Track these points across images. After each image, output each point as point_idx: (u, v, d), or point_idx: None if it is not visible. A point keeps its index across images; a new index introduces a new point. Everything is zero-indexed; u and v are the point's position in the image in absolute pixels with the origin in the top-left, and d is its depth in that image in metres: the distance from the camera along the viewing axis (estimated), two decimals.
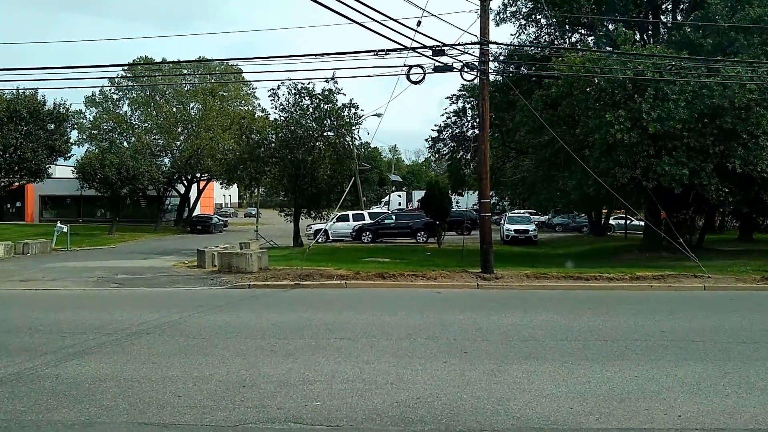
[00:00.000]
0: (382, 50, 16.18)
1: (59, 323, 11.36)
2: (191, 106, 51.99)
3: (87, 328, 10.88)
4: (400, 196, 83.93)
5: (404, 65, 16.63)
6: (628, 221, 40.45)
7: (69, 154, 37.13)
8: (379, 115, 34.86)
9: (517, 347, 9.48)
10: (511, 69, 23.79)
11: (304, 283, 16.34)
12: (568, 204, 23.03)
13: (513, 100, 24.50)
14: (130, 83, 51.90)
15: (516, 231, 35.61)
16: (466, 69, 16.31)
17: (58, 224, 31.86)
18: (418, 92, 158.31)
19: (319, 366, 8.37)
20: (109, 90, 52.18)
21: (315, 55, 16.30)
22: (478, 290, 15.91)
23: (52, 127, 35.39)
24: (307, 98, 29.92)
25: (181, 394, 7.23)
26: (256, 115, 37.03)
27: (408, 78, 16.58)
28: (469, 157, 32.78)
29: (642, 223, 44.36)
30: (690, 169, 18.61)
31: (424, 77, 16.56)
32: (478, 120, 28.79)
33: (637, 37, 22.74)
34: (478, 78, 16.68)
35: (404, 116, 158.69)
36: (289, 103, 30.16)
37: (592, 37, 26.51)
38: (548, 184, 23.72)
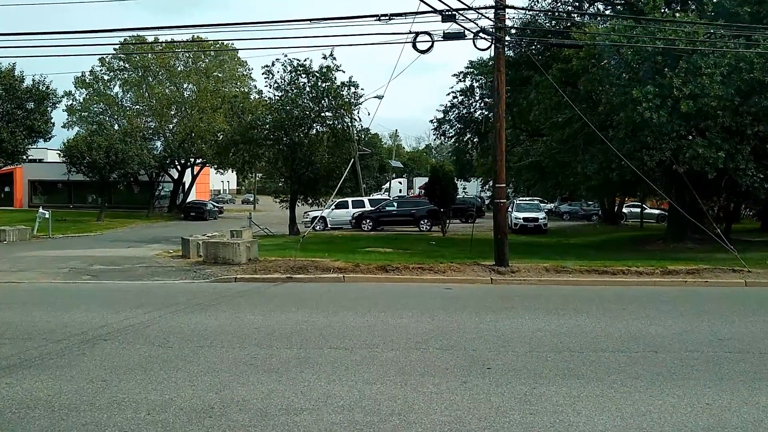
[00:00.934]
0: (384, 15, 14.36)
1: (3, 326, 9.62)
2: (185, 87, 50.00)
3: (35, 332, 9.17)
4: (400, 182, 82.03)
5: (410, 32, 14.80)
6: (642, 210, 38.66)
7: (50, 136, 35.06)
8: (379, 97, 32.78)
9: (551, 361, 7.79)
10: (523, 42, 21.85)
11: (296, 276, 14.61)
12: (588, 190, 21.18)
13: (527, 76, 22.64)
14: (121, 63, 49.92)
15: (525, 219, 33.71)
16: (480, 36, 14.47)
17: (40, 210, 30.15)
18: (418, 80, 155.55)
19: (307, 387, 6.69)
20: (100, 70, 50.23)
21: (310, 20, 14.46)
22: (492, 286, 14.18)
23: (32, 106, 33.28)
24: (303, 76, 27.97)
25: (129, 428, 5.60)
26: (252, 97, 34.97)
27: (414, 46, 14.75)
28: (477, 139, 30.85)
29: (655, 211, 42.97)
30: (726, 151, 16.80)
31: (432, 46, 14.73)
32: (487, 99, 26.96)
33: (663, 9, 20.72)
34: (493, 47, 14.82)
35: (404, 103, 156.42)
36: (285, 81, 28.23)
37: (610, 10, 24.55)
38: (564, 168, 21.89)
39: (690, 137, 17.10)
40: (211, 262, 16.47)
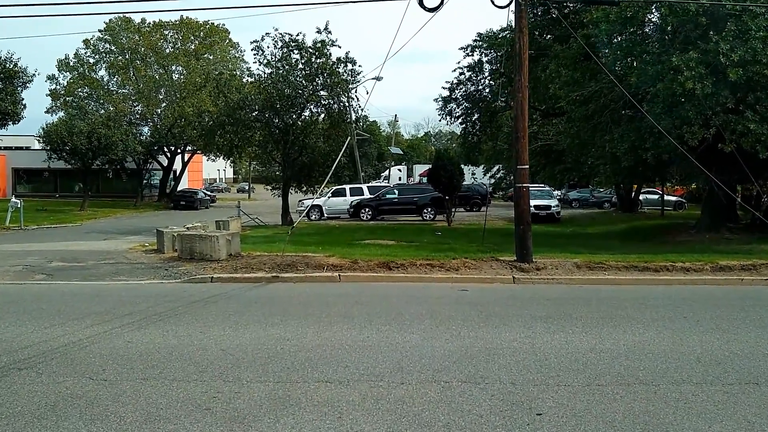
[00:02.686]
0: None
1: None
2: (173, 69, 47.50)
3: None
4: (400, 170, 79.74)
5: None
6: (663, 197, 36.42)
7: (19, 118, 32.41)
8: (377, 79, 30.58)
9: (621, 401, 5.68)
10: (539, 11, 19.55)
11: (284, 275, 12.41)
12: (615, 173, 18.90)
13: (544, 45, 20.30)
14: (107, 45, 47.46)
15: (536, 207, 31.06)
16: None
17: (13, 199, 27.91)
18: (415, 69, 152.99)
19: None
20: (85, 53, 47.72)
21: None
22: (516, 286, 11.99)
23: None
24: (295, 52, 25.55)
25: None
26: (244, 80, 32.53)
27: (420, 4, 12.50)
28: (486, 119, 28.39)
29: (672, 198, 40.72)
30: None
31: (442, 3, 12.48)
32: (501, 71, 24.57)
33: None
34: (514, 3, 12.56)
35: (401, 92, 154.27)
36: (275, 57, 25.82)
37: None
38: (583, 149, 19.60)
39: (738, 111, 14.84)
40: (187, 258, 14.27)
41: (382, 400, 5.65)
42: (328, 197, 32.77)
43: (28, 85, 31.98)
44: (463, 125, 29.98)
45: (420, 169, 72.83)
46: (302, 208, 30.15)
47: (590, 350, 7.25)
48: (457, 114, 29.53)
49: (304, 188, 29.23)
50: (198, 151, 48.62)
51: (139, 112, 47.00)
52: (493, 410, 5.42)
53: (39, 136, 39.15)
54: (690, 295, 11.04)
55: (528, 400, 5.68)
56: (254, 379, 6.23)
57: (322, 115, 27.32)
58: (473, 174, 43.80)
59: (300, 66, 25.58)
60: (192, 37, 47.90)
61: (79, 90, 47.65)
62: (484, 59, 27.35)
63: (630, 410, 5.45)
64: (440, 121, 42.72)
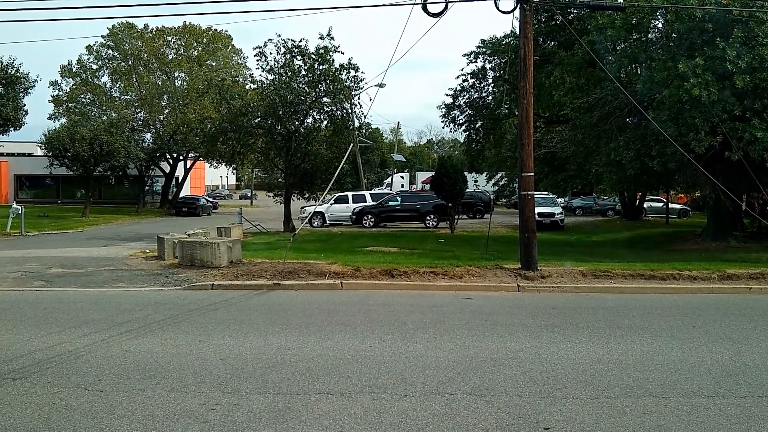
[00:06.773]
0: None
1: None
2: (176, 75, 47.49)
3: None
4: (402, 177, 79.79)
5: None
6: (667, 205, 36.21)
7: (20, 124, 32.29)
8: (380, 86, 30.36)
9: (630, 414, 5.53)
10: (542, 18, 19.41)
11: (285, 282, 12.25)
12: (620, 181, 18.71)
13: (549, 52, 20.16)
14: (110, 51, 47.50)
15: (540, 214, 30.86)
16: None
17: (14, 205, 27.82)
18: (418, 77, 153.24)
19: None
20: (87, 59, 47.74)
21: None
22: (521, 294, 11.81)
23: (0, 91, 30.52)
24: (298, 58, 25.46)
25: None
26: (248, 87, 32.42)
27: (424, 9, 12.40)
28: (489, 126, 28.18)
29: (677, 206, 40.51)
30: None
31: (446, 8, 12.38)
32: (504, 85, 24.46)
33: None
34: (519, 9, 12.45)
35: (404, 100, 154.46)
36: (278, 63, 25.72)
37: None
38: (588, 157, 19.44)
39: (745, 119, 14.69)
40: (188, 264, 14.11)
41: (384, 413, 5.49)
42: (331, 204, 32.64)
43: (29, 91, 31.94)
44: (467, 132, 29.78)
45: (422, 176, 72.84)
46: (304, 215, 30.02)
47: (598, 361, 7.08)
48: (461, 121, 29.33)
49: (307, 195, 29.12)
50: (200, 158, 48.60)
51: (142, 118, 46.98)
52: (500, 424, 5.26)
53: (41, 143, 39.13)
54: (697, 304, 10.86)
55: (535, 413, 5.51)
56: (254, 390, 6.07)
57: (325, 122, 27.22)
58: (476, 181, 43.66)
59: (303, 72, 25.47)
60: (195, 44, 48.00)
61: (82, 96, 47.70)
62: (488, 66, 27.18)
63: (641, 424, 5.28)
64: (443, 128, 42.85)
